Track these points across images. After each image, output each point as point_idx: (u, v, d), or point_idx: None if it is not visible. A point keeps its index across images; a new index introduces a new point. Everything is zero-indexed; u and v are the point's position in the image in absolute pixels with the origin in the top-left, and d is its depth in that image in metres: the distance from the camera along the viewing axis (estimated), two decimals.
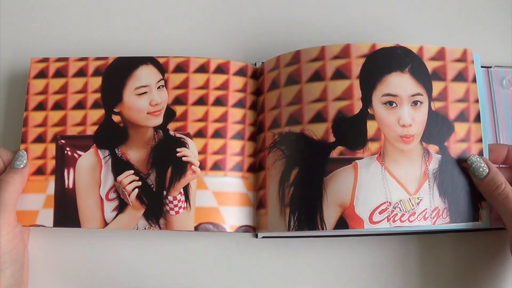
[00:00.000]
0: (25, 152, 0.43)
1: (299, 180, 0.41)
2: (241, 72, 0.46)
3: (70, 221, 0.43)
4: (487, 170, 0.40)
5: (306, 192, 0.41)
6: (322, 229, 0.40)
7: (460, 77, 0.43)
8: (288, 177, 0.41)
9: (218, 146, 0.44)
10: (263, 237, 0.45)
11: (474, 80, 0.43)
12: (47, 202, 0.43)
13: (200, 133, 0.44)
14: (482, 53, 0.49)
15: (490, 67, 0.48)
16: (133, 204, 0.42)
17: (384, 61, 0.42)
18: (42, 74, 0.46)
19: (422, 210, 0.40)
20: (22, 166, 0.42)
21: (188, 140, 0.44)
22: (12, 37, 0.51)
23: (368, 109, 0.41)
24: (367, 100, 0.41)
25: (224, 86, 0.45)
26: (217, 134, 0.44)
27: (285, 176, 0.42)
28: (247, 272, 0.45)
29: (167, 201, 0.42)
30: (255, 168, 0.44)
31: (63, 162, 0.44)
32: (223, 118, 0.44)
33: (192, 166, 0.43)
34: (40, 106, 0.45)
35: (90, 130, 0.44)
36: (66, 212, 0.43)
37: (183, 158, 0.43)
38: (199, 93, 0.45)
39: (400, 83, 0.41)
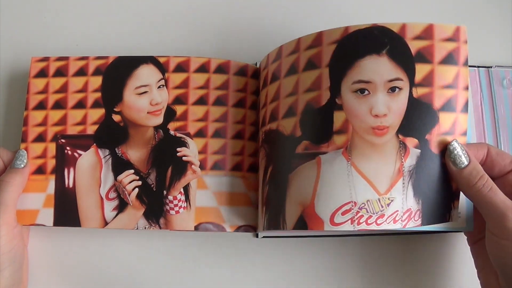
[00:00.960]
0: (25, 152, 0.43)
1: (271, 178, 0.40)
2: (241, 72, 0.46)
3: (70, 221, 0.43)
4: (469, 159, 0.36)
5: (274, 190, 0.39)
6: (283, 229, 0.38)
7: (450, 59, 0.37)
8: (266, 176, 0.40)
9: (219, 146, 0.44)
10: (264, 237, 0.45)
11: (466, 64, 0.37)
12: (47, 202, 0.43)
13: (200, 133, 0.44)
14: (482, 53, 0.49)
15: (490, 67, 0.48)
16: (133, 203, 0.42)
17: (356, 44, 0.37)
18: (42, 73, 0.46)
19: (393, 212, 0.35)
20: (22, 165, 0.42)
21: (188, 139, 0.44)
22: (12, 37, 0.51)
23: (336, 99, 0.37)
24: (335, 89, 0.37)
25: (224, 86, 0.45)
26: (217, 134, 0.44)
27: (264, 175, 0.41)
28: (247, 272, 0.45)
29: (167, 201, 0.42)
30: (256, 167, 0.44)
31: (63, 162, 0.44)
32: (223, 118, 0.44)
33: (192, 166, 0.43)
34: (40, 105, 0.45)
35: (90, 129, 0.44)
36: (66, 211, 0.43)
37: (183, 158, 0.43)
38: (200, 93, 0.45)
39: (375, 67, 0.36)
